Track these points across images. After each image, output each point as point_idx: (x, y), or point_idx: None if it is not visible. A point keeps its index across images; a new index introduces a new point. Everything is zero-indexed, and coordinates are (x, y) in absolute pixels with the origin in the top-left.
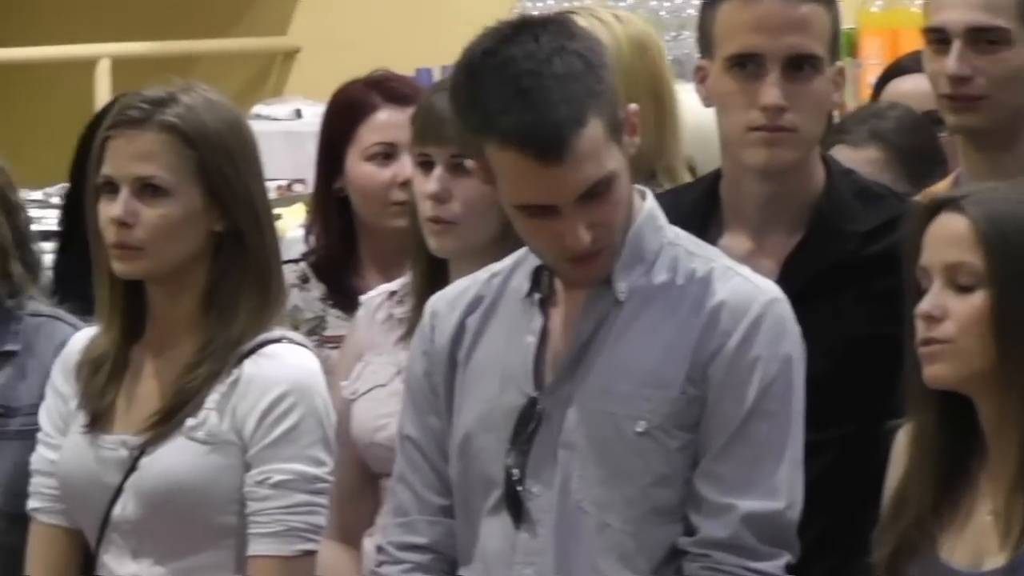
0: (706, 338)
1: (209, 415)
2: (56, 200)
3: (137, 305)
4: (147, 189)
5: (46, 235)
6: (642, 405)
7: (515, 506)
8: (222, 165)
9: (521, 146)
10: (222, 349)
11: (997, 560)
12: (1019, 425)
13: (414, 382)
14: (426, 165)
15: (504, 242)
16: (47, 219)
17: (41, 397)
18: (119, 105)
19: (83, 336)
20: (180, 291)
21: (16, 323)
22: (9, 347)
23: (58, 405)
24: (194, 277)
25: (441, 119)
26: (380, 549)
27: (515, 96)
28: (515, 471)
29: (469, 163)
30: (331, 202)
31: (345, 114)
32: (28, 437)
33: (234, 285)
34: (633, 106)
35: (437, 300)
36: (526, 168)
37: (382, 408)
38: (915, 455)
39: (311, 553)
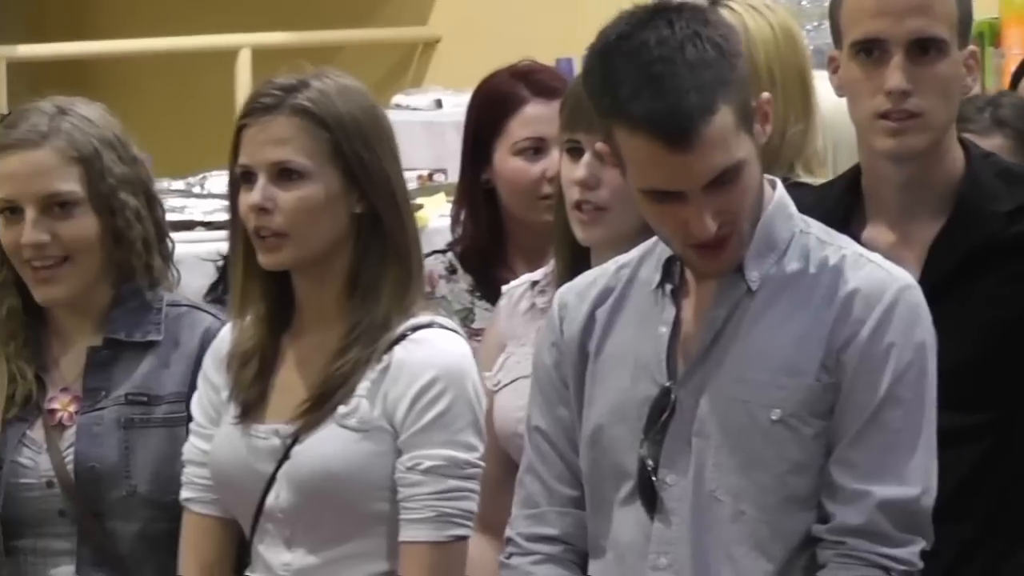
0: (839, 326)
1: (360, 402)
2: (197, 190)
3: (283, 295)
4: (284, 174)
5: (190, 224)
6: (776, 393)
7: (649, 496)
8: (357, 147)
9: (650, 132)
10: (368, 333)
11: None
12: None
13: (543, 373)
14: (574, 152)
15: (648, 232)
16: (190, 208)
17: (183, 386)
18: (252, 93)
19: (232, 327)
20: (325, 277)
21: (157, 314)
22: (152, 337)
23: (210, 395)
24: (338, 262)
25: (588, 105)
26: (509, 540)
27: (647, 82)
28: (649, 461)
29: (600, 146)
30: (478, 193)
31: (493, 106)
32: (172, 425)
33: (375, 267)
34: (766, 95)
35: (565, 292)
36: (654, 154)
37: (525, 399)
38: None
39: (463, 538)
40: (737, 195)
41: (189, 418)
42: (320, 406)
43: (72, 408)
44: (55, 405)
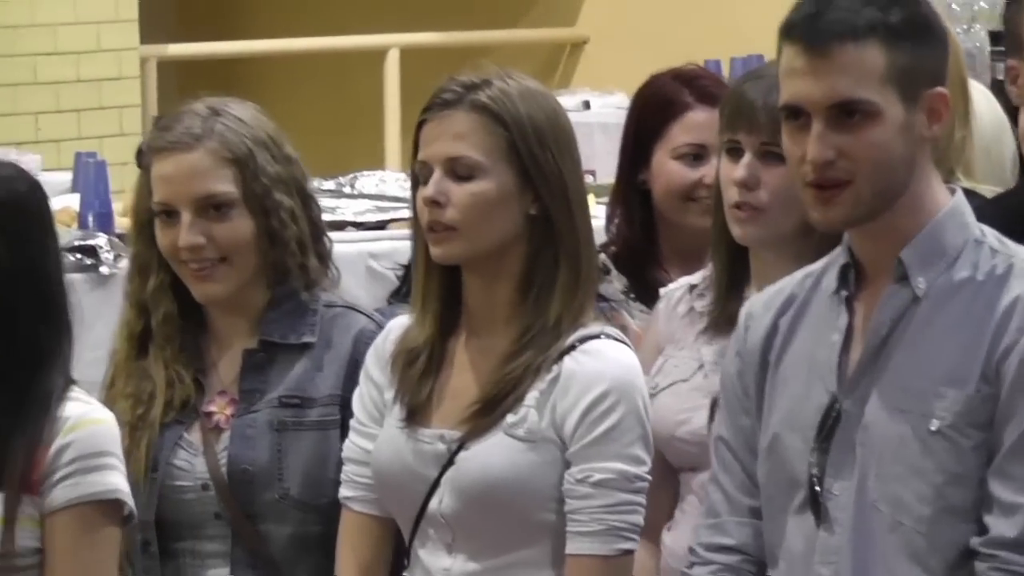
0: (1000, 334)
1: (529, 412)
2: (348, 190)
3: (453, 296)
4: (458, 168)
5: (341, 224)
6: (936, 403)
7: (816, 505)
8: (533, 147)
9: (792, 34)
10: (540, 337)
11: None
12: None
13: (727, 382)
14: (733, 152)
15: (808, 234)
16: (341, 208)
17: (336, 388)
18: (435, 90)
19: (398, 325)
20: (496, 278)
21: (312, 315)
22: (306, 339)
23: (372, 394)
24: (510, 263)
25: (753, 107)
26: (692, 550)
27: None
28: (816, 470)
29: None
30: (634, 194)
31: (656, 109)
32: (324, 428)
33: (547, 270)
34: (941, 89)
35: (754, 301)
36: (792, 59)
37: (684, 403)
38: None
39: (630, 552)
40: (863, 143)
41: (342, 421)
42: (488, 413)
43: (228, 411)
44: (212, 408)
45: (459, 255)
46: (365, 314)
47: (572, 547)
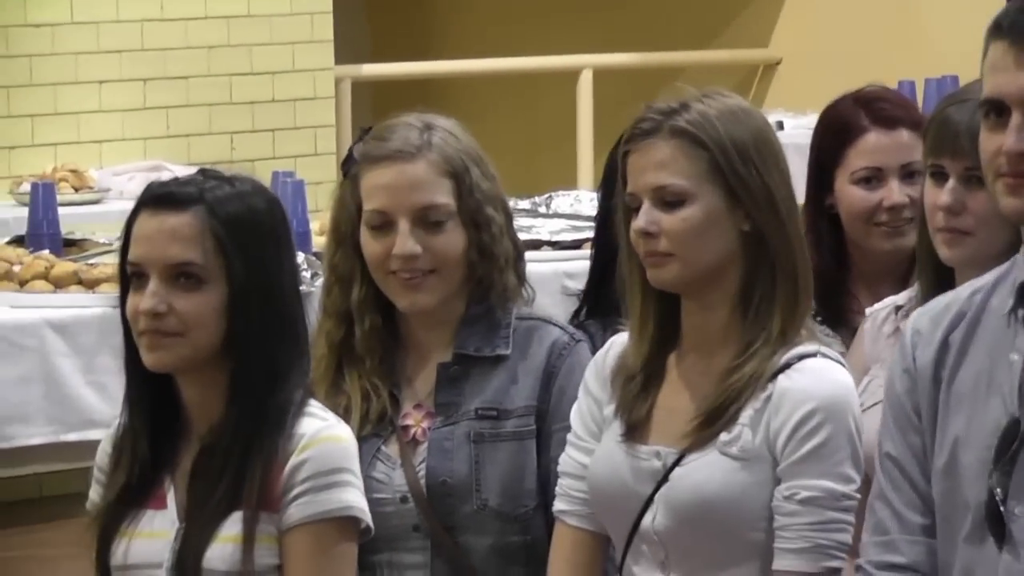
0: None
1: (743, 430)
2: (543, 209)
3: (670, 316)
4: (666, 196)
5: (537, 244)
6: None
7: (998, 528)
8: (736, 166)
9: (998, 31)
10: (762, 350)
11: None
12: None
13: (894, 400)
14: (938, 176)
15: (1014, 252)
16: (536, 228)
17: (531, 399)
18: (634, 120)
19: (619, 342)
20: (714, 297)
21: (506, 328)
22: (500, 352)
23: (592, 409)
24: (727, 282)
25: (957, 131)
26: (859, 568)
27: None
28: (998, 491)
29: None
30: (822, 219)
31: (834, 134)
32: (521, 439)
33: (765, 286)
34: None
35: (918, 317)
36: (997, 55)
37: None
38: None
39: (836, 571)
40: None
41: (538, 432)
42: (704, 430)
43: (425, 424)
44: (409, 421)
45: (676, 280)
46: (559, 326)
47: (778, 564)
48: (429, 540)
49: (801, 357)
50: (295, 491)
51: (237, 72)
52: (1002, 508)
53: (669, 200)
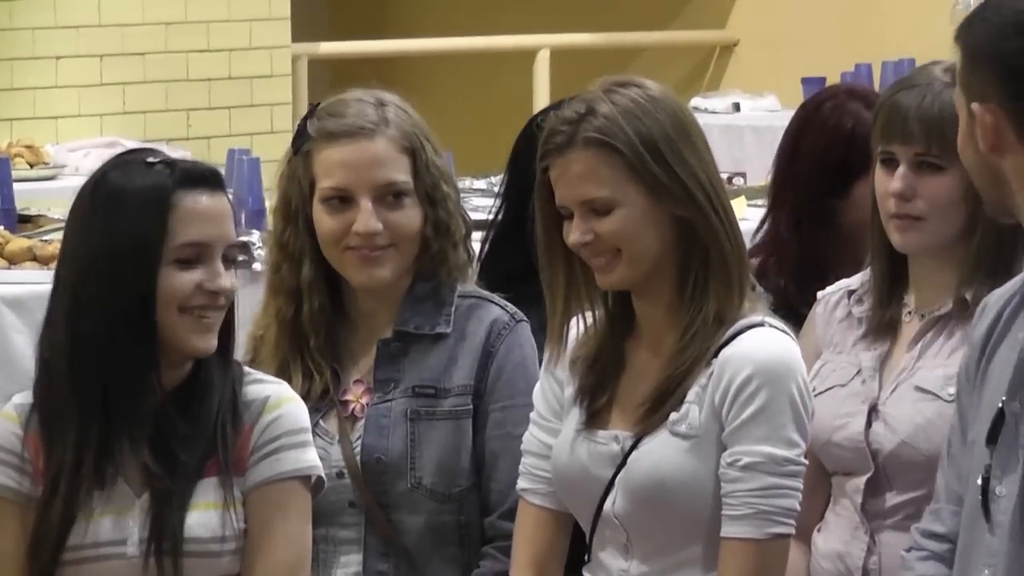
0: None
1: (690, 408)
2: (499, 189)
3: (623, 306)
4: (595, 207)
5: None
6: None
7: (986, 506)
8: (648, 164)
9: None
10: (701, 332)
11: None
12: None
13: (961, 372)
14: (889, 162)
15: (970, 238)
16: (492, 208)
17: (469, 379)
18: (545, 132)
19: (584, 324)
20: (657, 287)
21: (448, 306)
22: (440, 330)
23: (554, 389)
24: (666, 270)
25: (906, 116)
26: (913, 530)
27: None
28: (985, 471)
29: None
30: (827, 214)
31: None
32: (458, 417)
33: (700, 270)
34: None
35: (994, 292)
36: None
37: (841, 408)
38: None
39: (784, 536)
40: None
41: (474, 411)
42: (653, 413)
43: (364, 400)
44: (349, 397)
45: (624, 281)
46: (499, 305)
47: (724, 531)
48: (363, 516)
49: (745, 328)
50: (265, 449)
51: (194, 49)
52: (987, 489)
53: (599, 208)
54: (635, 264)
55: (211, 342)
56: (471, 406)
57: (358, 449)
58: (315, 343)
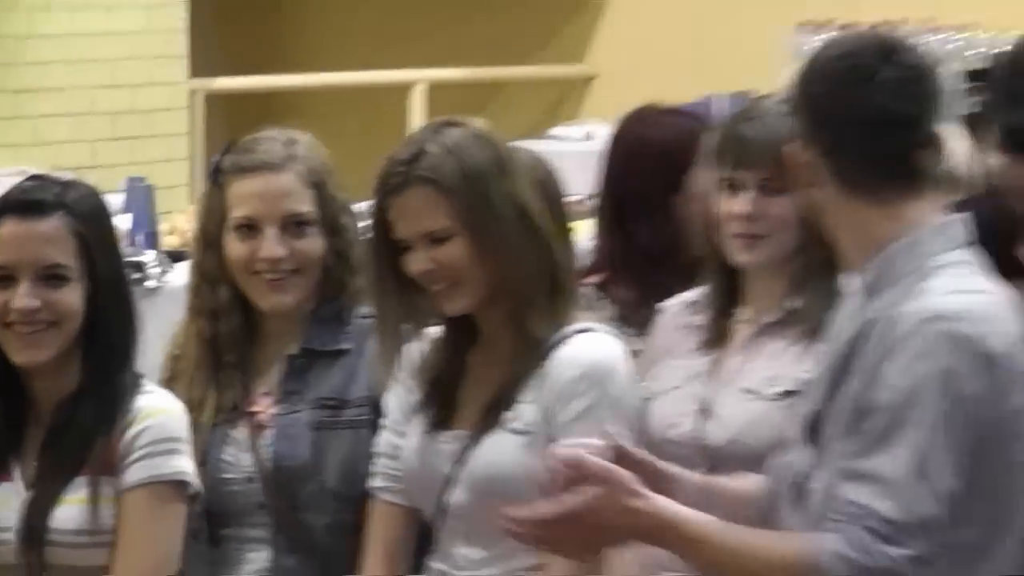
0: None
1: (523, 408)
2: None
3: (463, 320)
4: (435, 236)
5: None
6: None
7: (801, 500)
8: (472, 198)
9: None
10: (528, 345)
11: None
12: None
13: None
14: (733, 187)
15: (802, 254)
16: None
17: (368, 391)
18: (380, 174)
19: (429, 339)
20: (491, 306)
21: (350, 326)
22: (342, 346)
23: (404, 397)
24: (499, 291)
25: (752, 146)
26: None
27: None
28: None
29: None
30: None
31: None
32: (357, 427)
33: (527, 288)
34: None
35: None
36: None
37: (676, 408)
38: None
39: None
40: None
41: (372, 421)
42: (490, 414)
43: (272, 411)
44: (257, 408)
45: (468, 306)
46: None
47: None
48: (272, 517)
49: (573, 333)
50: (134, 456)
51: (101, 85)
52: None
53: (439, 237)
54: (474, 289)
55: (34, 355)
56: (371, 416)
57: (268, 456)
58: (228, 359)
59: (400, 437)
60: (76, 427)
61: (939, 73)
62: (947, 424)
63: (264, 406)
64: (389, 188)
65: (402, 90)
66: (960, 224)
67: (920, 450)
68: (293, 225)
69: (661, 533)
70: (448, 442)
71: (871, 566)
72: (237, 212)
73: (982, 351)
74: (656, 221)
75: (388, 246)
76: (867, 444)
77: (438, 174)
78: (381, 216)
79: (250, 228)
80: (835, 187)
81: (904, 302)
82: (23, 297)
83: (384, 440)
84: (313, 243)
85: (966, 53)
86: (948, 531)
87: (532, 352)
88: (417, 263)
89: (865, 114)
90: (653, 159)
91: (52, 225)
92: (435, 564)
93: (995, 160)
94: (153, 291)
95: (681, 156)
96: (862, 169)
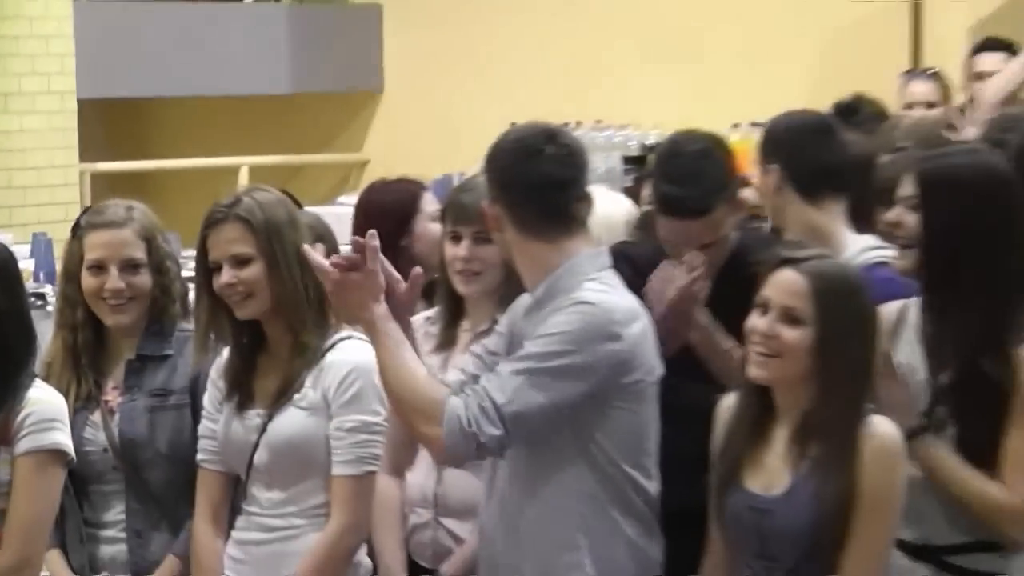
0: None
1: (308, 391)
2: None
3: (256, 327)
4: (239, 258)
5: None
6: None
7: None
8: (272, 237)
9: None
10: (302, 346)
11: (781, 487)
12: (799, 404)
13: None
14: (455, 238)
15: (507, 287)
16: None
17: (186, 383)
18: (208, 212)
19: (228, 347)
20: (277, 319)
21: (171, 338)
22: (167, 352)
23: (214, 392)
24: (280, 305)
25: (469, 209)
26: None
27: None
28: None
29: (489, 208)
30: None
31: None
32: (180, 408)
33: (300, 306)
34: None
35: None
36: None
37: None
38: (734, 418)
39: (373, 473)
40: None
41: (190, 404)
42: (283, 395)
43: (118, 400)
44: (108, 397)
45: (256, 312)
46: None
47: (334, 471)
48: (123, 476)
49: (341, 340)
50: (23, 432)
51: (16, 167)
52: None
53: (241, 260)
54: (262, 302)
55: None
56: (189, 401)
57: (116, 433)
58: (85, 361)
59: (214, 422)
60: None
61: (585, 150)
62: (568, 363)
63: (112, 396)
64: (212, 222)
65: (233, 170)
66: (605, 254)
67: (541, 368)
68: (130, 267)
69: (371, 328)
70: (251, 419)
71: (467, 430)
72: (90, 256)
73: (607, 325)
74: (390, 258)
75: (205, 266)
76: (512, 361)
77: (248, 215)
78: (203, 243)
79: (99, 268)
80: (515, 232)
81: (567, 299)
82: None
83: (203, 426)
84: (144, 279)
85: (628, 143)
86: (532, 431)
87: (308, 353)
88: (224, 278)
89: (535, 179)
90: (380, 215)
91: None
92: (247, 507)
93: (657, 220)
94: (51, 314)
95: (402, 211)
96: (534, 218)
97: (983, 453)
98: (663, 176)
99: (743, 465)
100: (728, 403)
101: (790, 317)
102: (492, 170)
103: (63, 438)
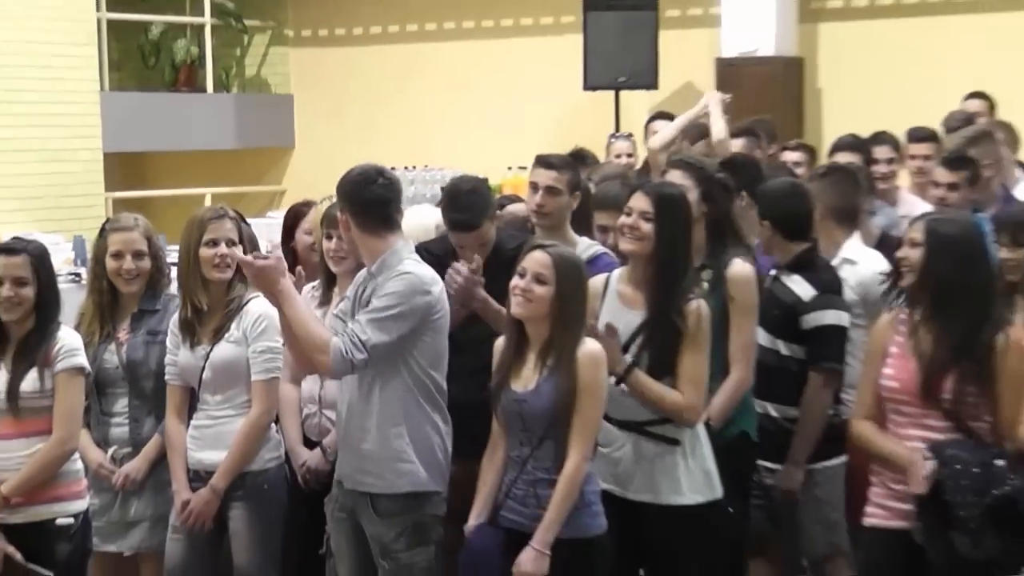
0: None
1: (234, 331)
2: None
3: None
4: (138, 255)
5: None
6: None
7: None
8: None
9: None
10: (235, 301)
11: (532, 385)
12: (542, 335)
13: None
14: (328, 237)
15: (358, 264)
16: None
17: (168, 326)
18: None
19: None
20: (218, 288)
21: (159, 299)
22: (157, 307)
23: (173, 336)
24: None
25: (334, 218)
26: None
27: None
28: None
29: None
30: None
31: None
32: (165, 343)
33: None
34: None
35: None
36: None
37: None
38: (504, 347)
39: (277, 378)
40: None
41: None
42: (219, 333)
43: (126, 337)
44: (120, 335)
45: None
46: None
47: (253, 379)
48: (127, 384)
49: (252, 298)
50: (59, 357)
51: (65, 195)
52: None
53: (139, 255)
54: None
55: (11, 316)
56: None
57: (125, 358)
58: (106, 314)
59: (175, 355)
60: (31, 344)
61: (399, 181)
62: (401, 310)
63: (123, 335)
64: (213, 218)
65: (200, 197)
66: (412, 244)
67: (385, 316)
68: (138, 255)
69: (280, 295)
70: (200, 350)
71: (345, 357)
72: (112, 248)
73: (421, 285)
74: (285, 252)
75: (197, 246)
76: (368, 313)
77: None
78: (202, 231)
79: (118, 256)
80: (358, 231)
81: (394, 272)
82: (7, 290)
83: (168, 358)
84: (146, 263)
85: (444, 177)
86: (381, 355)
87: (231, 307)
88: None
89: (369, 198)
90: (285, 223)
91: (22, 259)
92: (200, 406)
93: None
94: (84, 286)
95: (293, 220)
96: (370, 222)
97: (666, 371)
98: (449, 205)
99: (510, 375)
100: (500, 341)
101: (539, 279)
102: (343, 192)
103: (83, 361)
